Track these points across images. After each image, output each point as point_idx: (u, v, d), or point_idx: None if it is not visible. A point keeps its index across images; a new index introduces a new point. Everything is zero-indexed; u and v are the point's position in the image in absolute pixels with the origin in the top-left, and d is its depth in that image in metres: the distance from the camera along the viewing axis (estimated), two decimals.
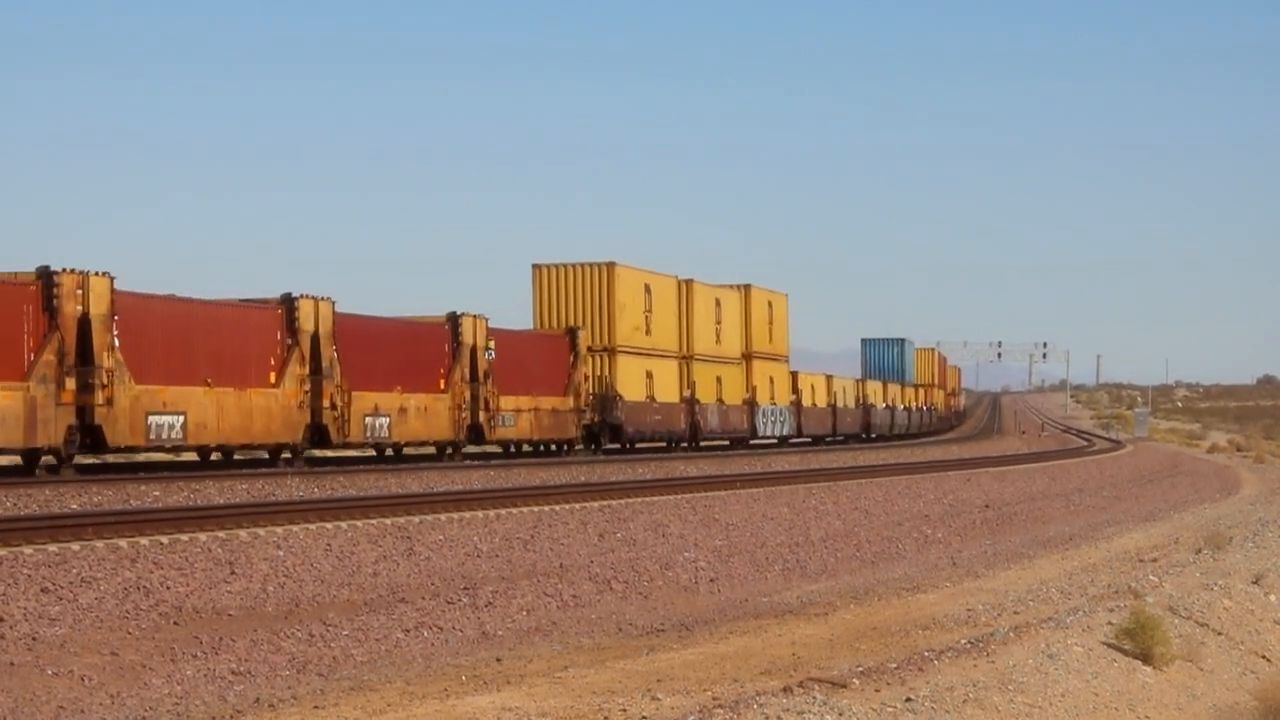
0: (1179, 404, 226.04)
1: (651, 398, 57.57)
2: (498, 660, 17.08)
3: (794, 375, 76.96)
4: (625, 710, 13.68)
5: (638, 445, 58.37)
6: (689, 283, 62.02)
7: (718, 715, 12.61)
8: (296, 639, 17.08)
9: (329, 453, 43.29)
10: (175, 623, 16.97)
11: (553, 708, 13.81)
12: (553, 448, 52.68)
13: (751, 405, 68.41)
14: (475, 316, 46.66)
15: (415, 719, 13.71)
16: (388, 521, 24.05)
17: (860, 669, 15.19)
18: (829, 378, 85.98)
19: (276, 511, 23.82)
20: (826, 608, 21.79)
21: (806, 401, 78.70)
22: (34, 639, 15.60)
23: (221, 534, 21.27)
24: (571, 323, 54.29)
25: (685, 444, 60.56)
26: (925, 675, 14.93)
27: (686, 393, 60.93)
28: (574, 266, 55.65)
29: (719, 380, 64.33)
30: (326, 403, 40.23)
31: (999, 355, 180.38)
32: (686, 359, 61.44)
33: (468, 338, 46.18)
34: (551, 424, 50.96)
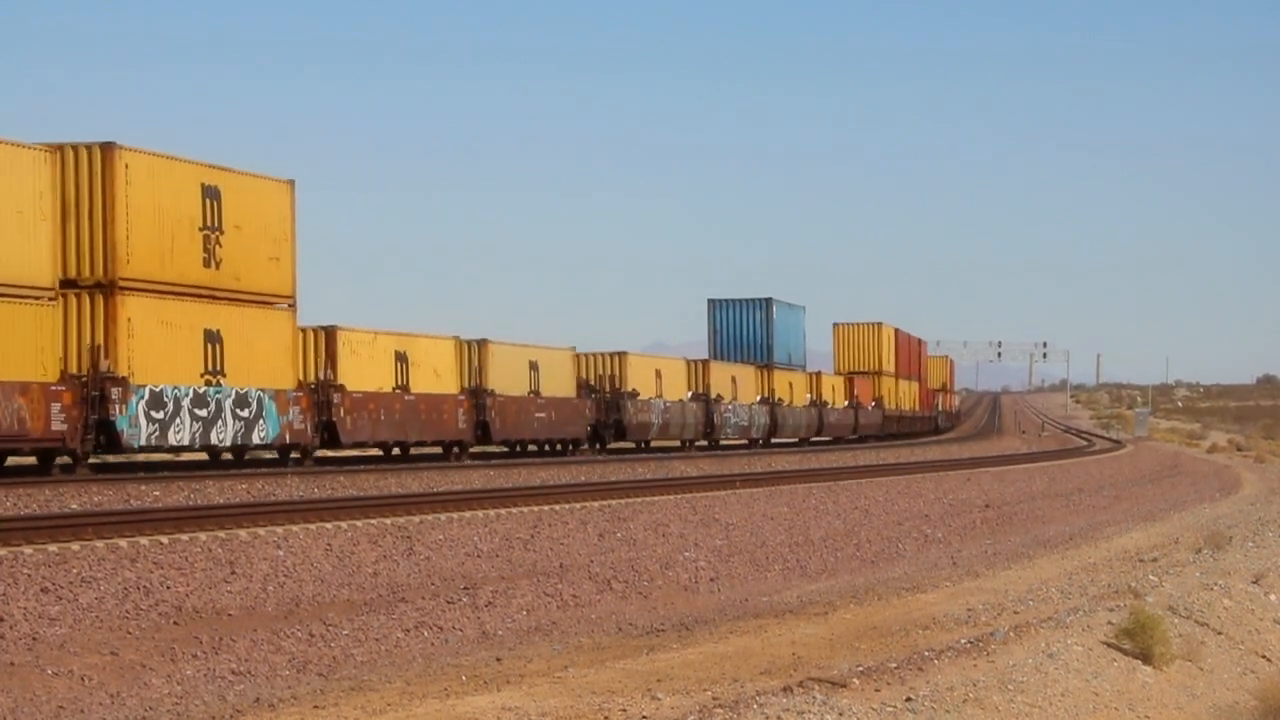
0: (1179, 404, 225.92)
1: None
2: (498, 660, 17.09)
3: (324, 334, 41.50)
4: (625, 710, 13.69)
5: None
6: None
7: (718, 715, 12.61)
8: (296, 639, 17.09)
9: None
10: (175, 622, 16.98)
11: (553, 707, 13.81)
12: None
13: (89, 387, 32.24)
14: None
15: (415, 719, 13.71)
16: (388, 521, 24.05)
17: (860, 669, 15.19)
18: (468, 344, 49.13)
19: (276, 511, 23.82)
20: (826, 607, 21.79)
21: (360, 384, 42.11)
22: (34, 639, 15.61)
23: (221, 534, 21.27)
24: None
25: None
26: (925, 675, 14.93)
27: None
28: None
29: None
30: None
31: (999, 355, 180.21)
32: None
33: None
34: None
